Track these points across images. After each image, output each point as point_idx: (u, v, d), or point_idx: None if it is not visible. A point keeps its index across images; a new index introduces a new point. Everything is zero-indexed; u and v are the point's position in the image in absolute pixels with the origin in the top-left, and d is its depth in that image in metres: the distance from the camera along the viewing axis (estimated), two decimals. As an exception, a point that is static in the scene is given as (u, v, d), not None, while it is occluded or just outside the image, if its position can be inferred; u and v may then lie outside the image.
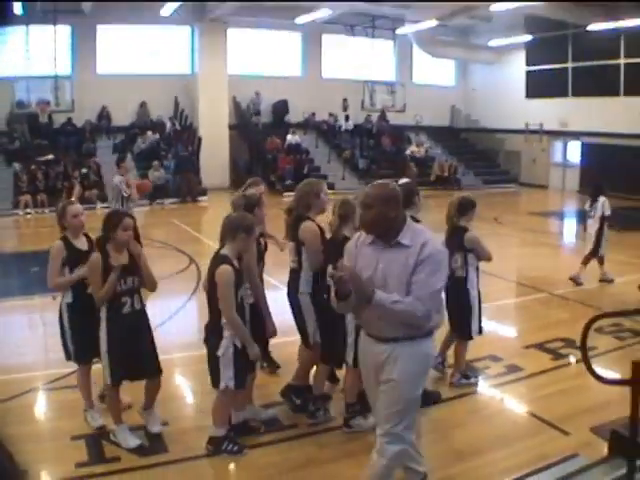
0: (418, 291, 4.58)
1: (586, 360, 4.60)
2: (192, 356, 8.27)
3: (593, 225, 13.69)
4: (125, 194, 13.89)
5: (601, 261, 13.87)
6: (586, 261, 13.75)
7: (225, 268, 6.03)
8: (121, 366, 6.36)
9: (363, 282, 4.59)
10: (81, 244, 6.81)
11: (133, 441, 6.49)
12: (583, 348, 4.61)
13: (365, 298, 4.53)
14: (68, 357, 6.88)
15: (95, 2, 27.01)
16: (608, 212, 13.53)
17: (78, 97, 28.19)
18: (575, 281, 13.52)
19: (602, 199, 13.65)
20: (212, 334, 6.24)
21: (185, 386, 8.23)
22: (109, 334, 6.31)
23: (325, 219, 7.22)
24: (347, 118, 34.20)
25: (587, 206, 13.89)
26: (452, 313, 7.67)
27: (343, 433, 6.91)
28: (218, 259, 6.15)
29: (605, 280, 13.80)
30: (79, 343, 6.70)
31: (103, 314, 6.32)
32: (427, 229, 4.92)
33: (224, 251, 6.21)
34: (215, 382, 6.31)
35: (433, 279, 4.63)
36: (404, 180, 9.39)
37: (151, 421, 6.78)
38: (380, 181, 4.98)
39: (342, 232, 6.61)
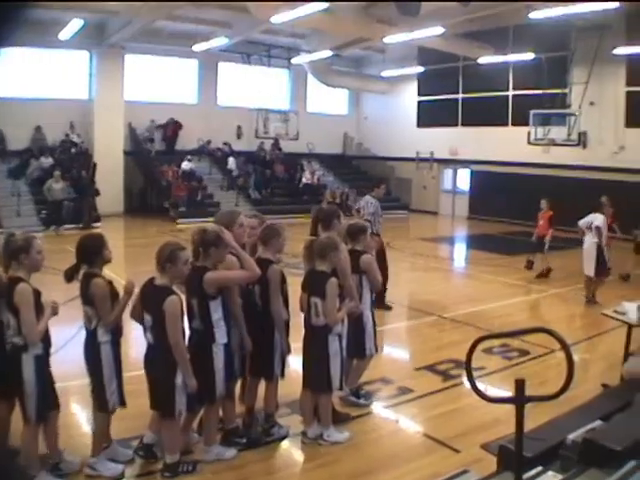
0: None
1: (471, 380, 4.69)
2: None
3: None
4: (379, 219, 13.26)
5: None
6: None
7: (175, 298, 6.06)
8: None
9: None
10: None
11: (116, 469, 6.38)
12: (468, 368, 4.70)
13: None
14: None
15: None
16: None
17: (-26, 121, 27.52)
18: None
19: None
20: (164, 363, 6.11)
21: (82, 415, 7.81)
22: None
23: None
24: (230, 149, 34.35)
25: None
26: (348, 333, 7.60)
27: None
28: (162, 290, 6.12)
29: None
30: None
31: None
32: None
33: (163, 282, 6.19)
34: (169, 410, 6.21)
35: None
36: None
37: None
38: None
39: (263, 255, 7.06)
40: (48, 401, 6.11)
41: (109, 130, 29.93)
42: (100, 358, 6.20)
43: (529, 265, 17.68)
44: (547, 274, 17.09)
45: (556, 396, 4.28)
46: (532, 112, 27.12)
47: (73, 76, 30.78)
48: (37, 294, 6.05)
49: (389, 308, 13.47)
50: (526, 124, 27.49)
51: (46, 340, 6.12)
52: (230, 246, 6.46)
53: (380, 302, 13.20)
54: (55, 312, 6.15)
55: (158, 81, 33.04)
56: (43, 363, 6.05)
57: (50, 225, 24.79)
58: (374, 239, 13.09)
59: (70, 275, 6.26)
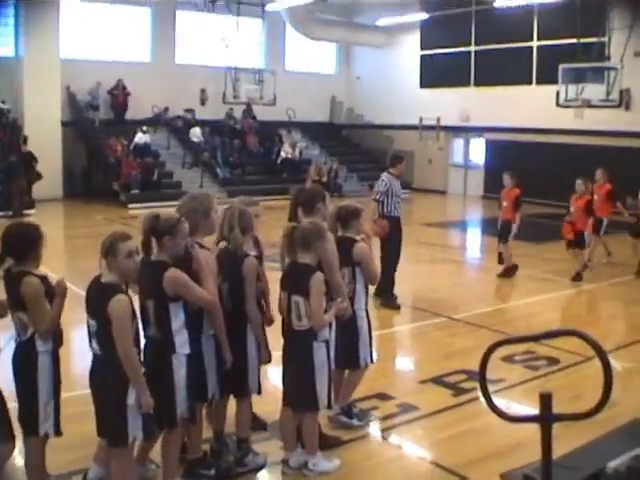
0: None
1: (486, 394, 4.64)
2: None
3: None
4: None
5: None
6: None
7: (122, 298, 5.87)
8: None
9: None
10: None
11: None
12: (482, 380, 4.66)
13: None
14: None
15: None
16: None
17: None
18: None
19: None
20: (113, 378, 5.90)
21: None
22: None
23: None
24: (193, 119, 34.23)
25: None
26: (337, 339, 7.45)
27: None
28: (107, 289, 5.94)
29: None
30: None
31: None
32: None
33: (110, 279, 6.02)
34: (120, 437, 5.96)
35: None
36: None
37: None
38: None
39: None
40: None
41: (42, 95, 29.48)
42: (36, 371, 6.07)
43: (501, 259, 16.60)
44: (509, 272, 16.42)
45: (592, 414, 4.23)
46: (562, 67, 26.83)
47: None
48: None
49: (397, 307, 13.55)
50: (554, 82, 27.21)
51: None
52: (198, 265, 6.37)
53: (387, 299, 13.17)
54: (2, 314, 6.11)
55: (102, 34, 32.69)
56: None
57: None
58: (379, 222, 13.03)
59: None
